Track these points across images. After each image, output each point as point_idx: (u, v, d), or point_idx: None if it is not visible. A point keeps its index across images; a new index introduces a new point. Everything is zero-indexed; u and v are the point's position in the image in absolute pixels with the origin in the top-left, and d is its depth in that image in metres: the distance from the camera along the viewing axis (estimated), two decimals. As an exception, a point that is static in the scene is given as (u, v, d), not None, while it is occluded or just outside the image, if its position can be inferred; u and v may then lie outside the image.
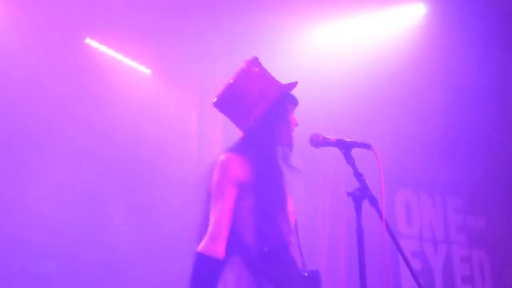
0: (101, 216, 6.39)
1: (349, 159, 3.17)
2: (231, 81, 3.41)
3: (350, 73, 6.74)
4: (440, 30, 6.90)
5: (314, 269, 3.35)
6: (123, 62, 7.15)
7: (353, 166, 3.15)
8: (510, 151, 7.97)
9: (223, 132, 7.16)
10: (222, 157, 3.33)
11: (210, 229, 3.19)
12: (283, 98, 3.42)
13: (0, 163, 5.97)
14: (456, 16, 6.72)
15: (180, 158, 7.21)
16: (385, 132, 6.59)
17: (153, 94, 7.29)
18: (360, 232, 3.06)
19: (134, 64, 7.25)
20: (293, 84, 3.49)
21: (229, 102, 3.43)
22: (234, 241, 3.26)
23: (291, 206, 3.45)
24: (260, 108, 3.36)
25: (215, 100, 3.43)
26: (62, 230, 6.12)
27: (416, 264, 7.34)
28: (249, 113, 3.36)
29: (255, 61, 3.53)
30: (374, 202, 3.08)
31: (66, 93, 6.43)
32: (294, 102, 3.51)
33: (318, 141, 3.28)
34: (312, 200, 6.61)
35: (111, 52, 7.01)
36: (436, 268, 7.79)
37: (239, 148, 3.37)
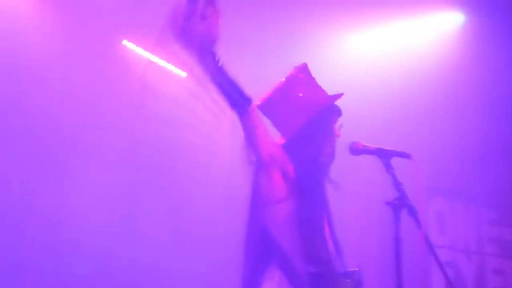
0: (134, 216, 6.43)
1: (388, 168, 3.17)
2: (279, 86, 3.42)
3: (387, 81, 6.74)
4: (478, 39, 6.85)
5: (355, 269, 3.32)
6: (159, 65, 7.19)
7: (393, 175, 3.15)
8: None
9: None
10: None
11: None
12: (328, 109, 3.42)
13: (39, 165, 6.05)
14: (494, 26, 6.68)
15: (213, 162, 7.24)
16: (420, 141, 6.55)
17: (189, 97, 7.32)
18: (398, 241, 3.06)
19: (170, 67, 7.29)
20: (339, 96, 3.48)
21: (274, 107, 3.43)
22: (274, 251, 3.22)
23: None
24: (304, 117, 3.37)
25: (259, 102, 3.40)
26: (98, 232, 6.18)
27: (449, 274, 7.29)
28: (293, 120, 3.36)
29: (304, 68, 3.54)
30: (413, 212, 3.07)
31: (103, 95, 6.50)
32: (338, 113, 3.50)
33: (358, 149, 3.28)
34: (344, 208, 6.59)
35: (147, 54, 7.06)
36: (468, 279, 7.74)
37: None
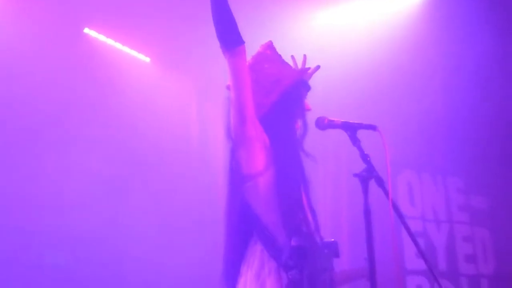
0: (113, 203, 6.43)
1: (355, 140, 3.20)
2: (248, 64, 3.43)
3: (351, 57, 6.80)
4: (441, 12, 6.95)
5: (332, 240, 3.37)
6: (122, 51, 7.18)
7: (359, 147, 3.18)
8: (509, 131, 8.02)
9: (222, 118, 7.20)
10: None
11: None
12: (297, 83, 3.48)
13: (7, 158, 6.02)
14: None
15: (180, 145, 7.24)
16: (386, 115, 6.63)
17: (152, 82, 7.32)
18: (367, 212, 3.07)
19: (134, 53, 7.28)
20: (309, 69, 3.60)
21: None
22: (255, 225, 3.28)
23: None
24: (276, 93, 3.42)
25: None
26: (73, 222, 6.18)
27: (419, 243, 7.38)
28: (265, 97, 3.41)
29: (270, 46, 3.59)
30: (380, 182, 3.10)
31: (66, 83, 6.46)
32: (307, 87, 3.58)
33: (323, 124, 3.31)
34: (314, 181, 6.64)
35: (110, 41, 7.04)
36: (439, 247, 7.85)
37: None
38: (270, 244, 3.21)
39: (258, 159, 3.29)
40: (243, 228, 3.34)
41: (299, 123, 3.49)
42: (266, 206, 3.26)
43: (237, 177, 3.37)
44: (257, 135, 3.29)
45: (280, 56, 3.59)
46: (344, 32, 7.03)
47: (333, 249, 3.34)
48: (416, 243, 3.23)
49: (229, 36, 3.20)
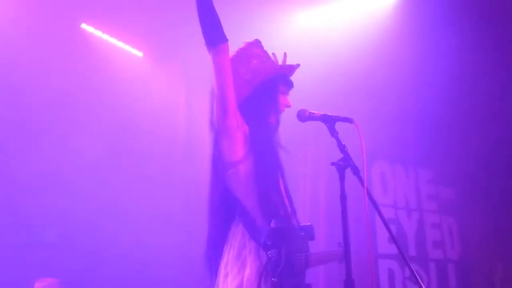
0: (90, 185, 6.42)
1: (333, 132, 3.26)
2: (233, 56, 3.50)
3: (330, 55, 6.85)
4: (414, 10, 7.02)
5: (308, 224, 3.45)
6: (117, 46, 7.19)
7: (337, 138, 3.24)
8: (478, 124, 8.08)
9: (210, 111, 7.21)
10: None
11: None
12: (274, 79, 3.52)
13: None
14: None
15: (168, 136, 7.26)
16: (362, 109, 6.67)
17: (144, 75, 7.34)
18: (343, 198, 3.14)
19: (127, 47, 7.29)
20: (288, 67, 3.62)
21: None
22: (237, 209, 3.35)
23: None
24: (255, 83, 3.46)
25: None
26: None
27: (391, 229, 7.43)
28: (241, 89, 3.46)
29: (256, 43, 3.63)
30: (356, 171, 3.15)
31: (64, 77, 6.46)
32: (288, 84, 3.62)
33: (304, 116, 3.36)
34: (294, 169, 6.68)
35: (105, 37, 7.04)
36: (409, 234, 7.92)
37: None
38: (250, 226, 3.28)
39: (239, 148, 3.36)
40: (224, 212, 3.41)
41: (274, 116, 3.54)
42: (246, 191, 3.33)
43: (219, 165, 3.43)
44: (238, 125, 3.35)
45: (266, 53, 3.62)
46: (323, 32, 7.08)
47: (308, 232, 3.42)
48: (388, 229, 3.29)
49: (213, 34, 3.26)
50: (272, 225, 3.19)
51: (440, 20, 6.99)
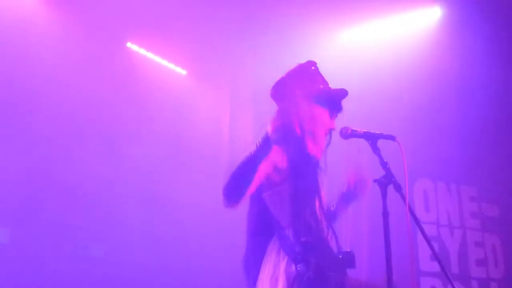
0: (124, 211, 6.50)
1: (375, 149, 3.27)
2: (283, 75, 3.61)
3: (373, 72, 6.87)
4: (455, 29, 7.01)
5: (348, 250, 3.45)
6: (161, 64, 7.29)
7: (379, 155, 3.25)
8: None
9: (253, 128, 7.28)
10: None
11: None
12: (319, 101, 3.54)
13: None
14: (469, 16, 6.83)
15: (211, 155, 7.28)
16: (404, 126, 6.65)
17: (188, 93, 7.41)
18: (386, 215, 3.13)
19: (171, 66, 7.38)
20: (338, 92, 3.62)
21: (278, 96, 3.60)
22: (273, 225, 3.39)
23: (325, 195, 3.59)
24: (297, 107, 3.51)
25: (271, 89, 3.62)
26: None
27: (434, 246, 7.38)
28: (289, 108, 3.51)
29: (310, 64, 3.68)
30: (398, 188, 3.16)
31: (109, 94, 6.55)
32: (336, 107, 3.63)
33: (347, 133, 3.39)
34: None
35: (150, 55, 7.15)
36: (452, 251, 7.85)
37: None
38: (285, 243, 3.31)
39: (275, 173, 3.38)
40: (262, 228, 3.44)
41: (314, 139, 3.56)
42: (281, 211, 3.35)
43: (257, 185, 3.43)
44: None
45: (320, 75, 3.67)
46: (366, 49, 7.11)
47: (348, 258, 3.42)
48: (430, 246, 3.28)
49: (239, 195, 3.22)
50: (302, 239, 3.24)
51: (482, 36, 6.98)
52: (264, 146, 3.15)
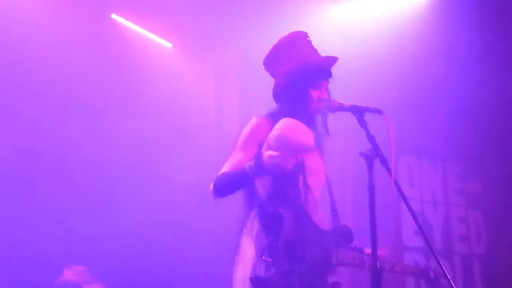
0: (115, 182, 6.44)
1: (362, 122, 3.25)
2: (275, 45, 3.63)
3: (361, 46, 6.86)
4: (446, 5, 7.03)
5: (343, 225, 3.59)
6: (146, 37, 7.22)
7: (366, 129, 3.23)
8: (506, 119, 8.05)
9: (239, 103, 7.26)
10: (254, 118, 3.47)
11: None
12: (306, 72, 3.53)
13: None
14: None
15: (198, 128, 7.25)
16: (391, 102, 6.65)
17: (174, 66, 7.36)
18: (371, 188, 3.13)
19: (157, 39, 7.32)
20: (326, 59, 3.63)
21: (271, 67, 3.65)
22: (254, 197, 3.43)
23: (321, 166, 3.58)
24: (287, 77, 3.51)
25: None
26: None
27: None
28: (279, 79, 3.59)
29: (302, 35, 3.70)
30: (384, 161, 3.16)
31: (93, 66, 6.49)
32: (324, 75, 3.63)
33: (334, 107, 3.38)
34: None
35: (135, 27, 7.08)
36: (435, 227, 7.90)
37: (271, 114, 3.54)
38: (263, 212, 3.35)
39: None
40: (247, 198, 3.50)
41: (306, 109, 3.59)
42: (263, 182, 3.41)
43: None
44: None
45: (311, 45, 3.67)
46: (355, 25, 7.12)
47: (343, 234, 3.57)
48: (416, 220, 3.28)
49: (225, 196, 3.42)
50: (272, 209, 3.28)
51: (472, 14, 6.99)
52: (258, 174, 3.22)
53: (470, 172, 8.34)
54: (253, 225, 3.35)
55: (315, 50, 3.66)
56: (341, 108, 3.35)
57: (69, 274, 5.80)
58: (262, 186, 3.42)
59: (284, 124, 3.24)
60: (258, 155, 3.21)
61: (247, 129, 3.50)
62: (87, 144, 6.21)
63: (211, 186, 3.41)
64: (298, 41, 3.63)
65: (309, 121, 3.55)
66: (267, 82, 3.75)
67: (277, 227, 3.20)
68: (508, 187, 8.16)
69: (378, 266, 3.04)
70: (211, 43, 7.26)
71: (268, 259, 3.13)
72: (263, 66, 3.71)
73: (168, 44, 7.44)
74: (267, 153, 3.13)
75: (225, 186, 3.37)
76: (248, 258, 3.26)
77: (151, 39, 7.27)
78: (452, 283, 3.07)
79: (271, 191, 3.40)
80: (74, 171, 6.23)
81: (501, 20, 7.27)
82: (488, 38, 7.27)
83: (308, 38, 3.68)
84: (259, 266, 3.16)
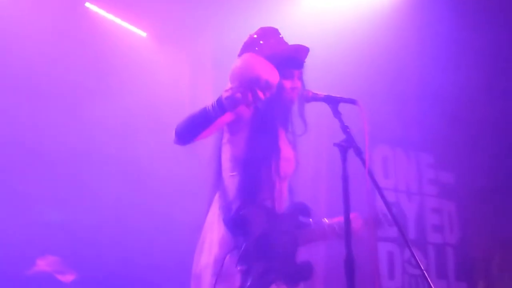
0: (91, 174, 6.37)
1: (336, 113, 3.25)
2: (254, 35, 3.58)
3: (333, 38, 6.84)
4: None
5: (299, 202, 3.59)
6: (121, 26, 7.15)
7: (340, 119, 3.23)
8: (478, 109, 8.11)
9: (214, 91, 7.22)
10: None
11: None
12: (276, 62, 3.45)
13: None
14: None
15: (172, 115, 7.18)
16: (365, 92, 6.65)
17: (149, 56, 7.30)
18: (345, 179, 3.14)
19: (131, 28, 7.25)
20: (296, 48, 3.60)
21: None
22: (219, 179, 3.47)
23: (290, 153, 3.57)
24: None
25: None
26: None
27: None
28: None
29: (272, 31, 3.66)
30: (358, 152, 3.16)
31: (67, 55, 6.42)
32: (295, 65, 3.61)
33: (308, 97, 3.37)
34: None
35: (109, 16, 7.01)
36: (409, 217, 7.96)
37: None
38: (224, 200, 3.39)
39: (241, 122, 3.43)
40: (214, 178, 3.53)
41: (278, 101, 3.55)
42: (231, 164, 3.45)
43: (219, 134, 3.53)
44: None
45: (282, 40, 3.64)
46: (328, 14, 7.09)
47: (302, 210, 3.56)
48: (390, 210, 3.29)
49: (186, 140, 3.35)
50: (239, 211, 3.28)
51: (447, 5, 7.02)
52: (218, 111, 3.16)
53: (442, 161, 8.41)
54: (215, 212, 3.40)
55: (286, 42, 3.64)
56: (315, 98, 3.35)
57: (42, 264, 5.75)
58: (229, 169, 3.45)
59: (241, 59, 3.31)
60: None
61: None
62: (59, 131, 6.14)
63: (173, 132, 3.35)
64: (268, 35, 3.60)
65: (284, 112, 3.55)
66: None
67: (245, 229, 3.24)
68: (480, 176, 8.22)
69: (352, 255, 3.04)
70: (186, 32, 7.21)
71: (242, 267, 3.13)
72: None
73: (142, 33, 7.37)
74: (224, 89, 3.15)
75: (185, 127, 3.29)
76: (212, 260, 3.28)
77: (126, 28, 7.20)
78: (425, 273, 3.07)
79: (242, 179, 3.39)
80: (46, 158, 6.14)
81: (476, 11, 7.31)
82: (462, 28, 7.31)
83: (279, 35, 3.65)
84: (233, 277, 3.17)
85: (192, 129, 3.28)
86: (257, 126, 3.41)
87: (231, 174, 3.41)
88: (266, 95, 3.23)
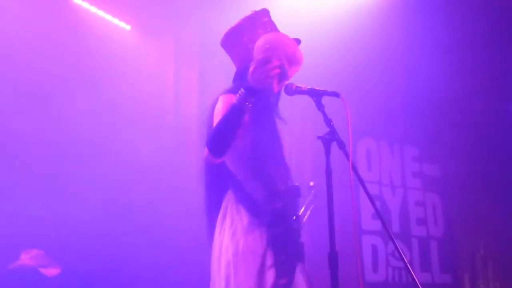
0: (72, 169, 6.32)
1: (319, 106, 3.24)
2: (240, 23, 3.58)
3: (321, 32, 6.83)
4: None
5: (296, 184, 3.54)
6: (105, 19, 7.11)
7: (323, 112, 3.22)
8: (462, 103, 8.14)
9: (198, 84, 7.20)
10: (221, 96, 3.43)
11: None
12: None
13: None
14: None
15: (157, 108, 7.19)
16: (349, 85, 6.66)
17: (132, 49, 7.26)
18: (329, 172, 3.14)
19: (115, 21, 7.21)
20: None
21: (234, 42, 3.59)
22: (229, 180, 3.41)
23: (286, 139, 3.60)
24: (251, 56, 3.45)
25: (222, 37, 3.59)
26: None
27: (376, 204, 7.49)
28: (243, 58, 3.53)
29: (263, 12, 3.66)
30: (342, 145, 3.15)
31: (51, 48, 6.37)
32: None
33: (291, 90, 3.34)
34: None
35: (93, 9, 6.96)
36: (393, 210, 7.98)
37: (235, 88, 3.42)
38: (247, 201, 3.32)
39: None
40: (220, 181, 3.46)
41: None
42: (240, 164, 3.38)
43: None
44: None
45: (273, 23, 3.62)
46: (314, 7, 7.08)
47: (296, 192, 3.51)
48: (373, 204, 3.29)
49: (224, 149, 3.21)
50: (276, 205, 3.30)
51: (433, 1, 7.03)
52: (248, 96, 3.14)
53: (427, 154, 8.44)
54: (236, 210, 3.35)
55: (277, 28, 3.63)
56: (298, 91, 3.33)
57: (26, 258, 5.71)
58: (239, 169, 3.40)
59: (270, 36, 3.38)
60: None
61: (220, 105, 3.39)
62: (42, 124, 6.09)
63: (205, 150, 3.27)
64: (255, 23, 3.59)
65: (276, 100, 3.55)
66: (226, 62, 3.71)
67: (280, 220, 3.30)
68: (463, 169, 8.26)
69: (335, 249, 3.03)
70: (170, 25, 7.19)
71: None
72: (220, 45, 3.67)
73: (126, 26, 7.33)
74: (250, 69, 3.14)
75: (219, 134, 3.17)
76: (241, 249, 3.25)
77: (110, 21, 7.15)
78: (409, 266, 3.07)
79: (253, 175, 3.37)
80: (30, 151, 6.09)
81: (461, 6, 7.33)
82: (447, 23, 7.33)
83: (267, 18, 3.63)
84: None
85: (225, 133, 3.16)
86: (258, 117, 3.38)
87: (243, 167, 3.37)
88: (292, 73, 3.35)
